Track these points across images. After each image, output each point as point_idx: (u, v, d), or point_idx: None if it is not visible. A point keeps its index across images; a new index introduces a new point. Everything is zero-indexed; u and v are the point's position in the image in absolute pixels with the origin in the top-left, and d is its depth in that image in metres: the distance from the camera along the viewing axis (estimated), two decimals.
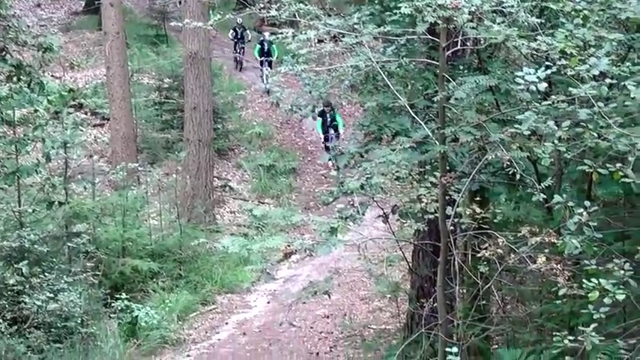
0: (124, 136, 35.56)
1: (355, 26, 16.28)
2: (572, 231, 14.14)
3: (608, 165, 13.80)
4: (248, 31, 61.02)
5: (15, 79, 20.27)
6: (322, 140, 48.81)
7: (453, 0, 14.54)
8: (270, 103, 40.28)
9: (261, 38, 56.40)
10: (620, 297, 12.75)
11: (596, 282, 12.97)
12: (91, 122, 34.30)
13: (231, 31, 60.16)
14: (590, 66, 13.60)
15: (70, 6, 50.06)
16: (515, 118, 14.68)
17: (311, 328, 26.41)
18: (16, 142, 23.34)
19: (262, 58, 56.55)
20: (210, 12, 40.64)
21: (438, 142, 15.51)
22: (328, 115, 46.62)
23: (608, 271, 13.89)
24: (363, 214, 18.65)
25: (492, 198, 16.84)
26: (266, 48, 55.92)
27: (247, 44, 60.46)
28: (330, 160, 33.85)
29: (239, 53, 60.99)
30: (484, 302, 17.32)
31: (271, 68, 51.90)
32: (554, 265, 14.30)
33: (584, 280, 13.21)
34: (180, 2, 53.27)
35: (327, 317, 26.46)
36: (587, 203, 14.10)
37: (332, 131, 47.31)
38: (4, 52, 20.62)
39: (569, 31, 14.43)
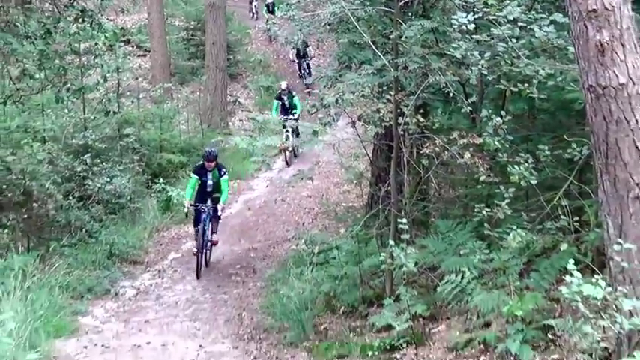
0: (161, 63, 35.64)
1: None
2: (491, 133, 14.34)
3: (518, 85, 13.97)
4: (310, 48, 39.91)
5: (80, 20, 20.26)
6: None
7: None
8: (268, 40, 39.92)
9: (279, 90, 34.41)
10: (533, 181, 13.45)
11: (518, 169, 13.58)
12: (136, 53, 34.49)
13: (292, 51, 40.92)
14: (506, 13, 13.78)
15: None
16: (449, 52, 14.81)
17: (298, 205, 26.67)
18: (81, 67, 23.56)
19: (283, 116, 33.30)
20: None
21: (392, 69, 15.65)
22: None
23: (516, 164, 14.01)
24: (337, 122, 18.83)
25: (432, 110, 16.97)
26: (287, 103, 33.81)
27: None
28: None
29: (304, 74, 41.61)
30: (425, 187, 17.53)
31: (297, 134, 29.95)
32: (477, 160, 14.46)
33: (509, 166, 13.85)
34: None
35: (310, 197, 26.67)
36: (502, 113, 14.33)
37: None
38: (72, 0, 20.64)
39: None
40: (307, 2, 16.92)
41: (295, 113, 32.76)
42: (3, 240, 18.96)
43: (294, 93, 32.89)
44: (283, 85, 33.46)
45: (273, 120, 30.82)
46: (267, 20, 35.48)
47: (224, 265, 22.49)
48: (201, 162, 23.45)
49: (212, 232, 23.29)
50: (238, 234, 25.03)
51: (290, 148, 31.09)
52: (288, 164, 31.51)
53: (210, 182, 23.26)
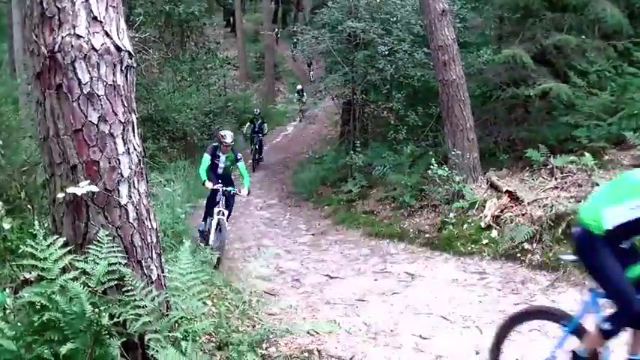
0: (243, 73, 35.10)
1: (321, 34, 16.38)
2: (396, 102, 14.49)
3: (408, 80, 14.10)
4: (265, 125, 23.21)
5: (207, 53, 20.46)
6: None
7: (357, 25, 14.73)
8: (293, 61, 38.96)
9: (216, 143, 9.84)
10: (418, 123, 14.01)
11: (410, 117, 13.76)
12: (233, 69, 33.89)
13: (248, 123, 23.60)
14: (402, 47, 13.87)
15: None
16: (377, 65, 14.85)
17: (308, 136, 26.29)
18: (207, 74, 23.18)
19: (219, 185, 9.50)
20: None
21: (350, 73, 15.69)
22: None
23: (408, 116, 14.25)
24: (325, 98, 18.85)
25: (369, 91, 16.78)
26: (222, 165, 9.78)
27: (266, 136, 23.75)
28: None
29: (255, 149, 22.32)
30: (366, 127, 17.48)
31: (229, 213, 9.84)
32: (389, 114, 14.69)
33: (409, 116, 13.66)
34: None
35: (313, 133, 26.09)
36: (401, 92, 14.43)
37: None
38: (203, 44, 20.81)
39: (396, 32, 14.72)
40: (311, 42, 16.84)
41: (241, 188, 10.11)
42: (174, 154, 19.12)
43: (239, 155, 10.01)
44: (228, 138, 9.73)
45: (295, 98, 29.74)
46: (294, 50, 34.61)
47: (274, 164, 22.57)
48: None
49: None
50: (280, 150, 25.02)
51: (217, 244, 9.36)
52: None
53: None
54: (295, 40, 19.06)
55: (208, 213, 9.91)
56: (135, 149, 3.76)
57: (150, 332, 3.51)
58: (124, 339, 3.39)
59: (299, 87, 29.84)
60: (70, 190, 3.47)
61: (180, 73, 20.70)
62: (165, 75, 21.17)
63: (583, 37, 11.57)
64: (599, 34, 11.92)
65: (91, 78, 3.53)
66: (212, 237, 9.35)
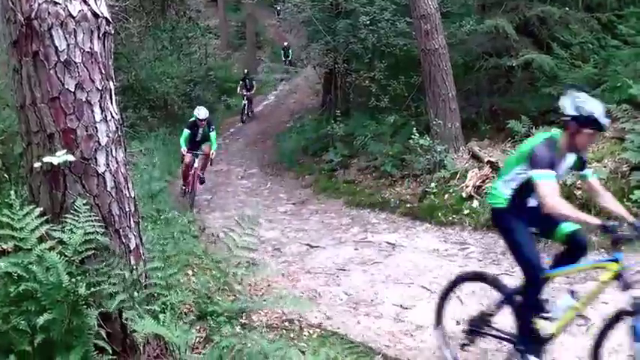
0: (224, 42, 34.75)
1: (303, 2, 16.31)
2: (378, 71, 14.39)
3: (391, 48, 14.01)
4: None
5: (188, 22, 20.23)
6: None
7: None
8: (275, 30, 38.49)
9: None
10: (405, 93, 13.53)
11: (393, 86, 13.75)
12: (214, 38, 33.40)
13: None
14: (384, 16, 13.80)
15: None
16: (359, 35, 14.74)
17: (289, 105, 26.23)
18: (189, 43, 23.02)
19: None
20: None
21: (332, 42, 15.63)
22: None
23: (390, 85, 14.23)
24: (307, 66, 18.75)
25: (351, 60, 16.66)
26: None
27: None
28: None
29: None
30: (348, 96, 17.34)
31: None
32: (371, 83, 14.54)
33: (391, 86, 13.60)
34: None
35: (295, 102, 26.00)
36: (383, 62, 14.32)
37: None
38: (184, 13, 20.58)
39: (378, 1, 14.58)
40: (293, 11, 16.72)
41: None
42: (154, 123, 18.93)
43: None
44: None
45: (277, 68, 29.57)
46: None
47: (256, 132, 22.42)
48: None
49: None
50: (261, 119, 24.81)
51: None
52: None
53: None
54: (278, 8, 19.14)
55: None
56: (112, 117, 3.71)
57: (127, 301, 3.50)
58: (102, 309, 3.38)
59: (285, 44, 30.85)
60: (46, 159, 3.43)
61: (161, 42, 20.48)
62: (146, 44, 20.91)
63: (566, 8, 11.57)
64: (582, 6, 11.93)
65: (68, 45, 3.47)
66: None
